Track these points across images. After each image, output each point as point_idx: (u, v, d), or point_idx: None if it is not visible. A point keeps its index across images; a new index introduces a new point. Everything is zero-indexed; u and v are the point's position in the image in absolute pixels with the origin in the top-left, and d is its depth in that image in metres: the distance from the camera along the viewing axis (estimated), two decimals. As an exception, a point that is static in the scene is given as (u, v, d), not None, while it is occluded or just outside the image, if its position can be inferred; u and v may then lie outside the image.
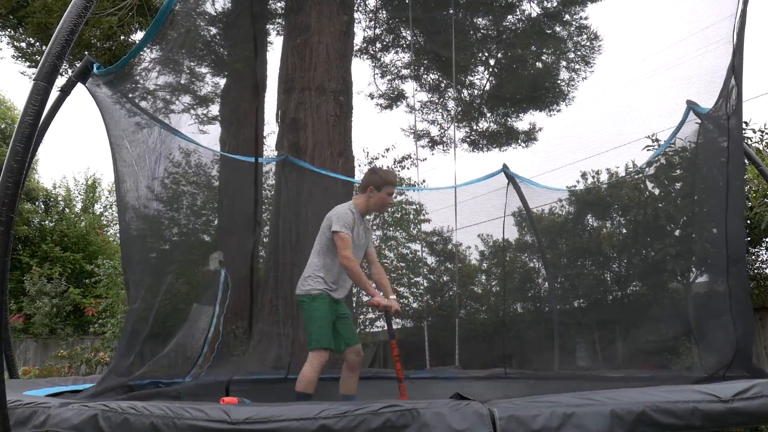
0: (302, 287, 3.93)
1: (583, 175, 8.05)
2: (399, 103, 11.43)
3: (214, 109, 6.36)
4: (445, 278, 9.88)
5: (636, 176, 7.09)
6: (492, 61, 10.59)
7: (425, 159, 10.76)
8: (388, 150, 11.65)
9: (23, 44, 9.66)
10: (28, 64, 9.70)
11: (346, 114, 7.66)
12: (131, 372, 3.84)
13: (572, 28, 9.99)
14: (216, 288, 4.81)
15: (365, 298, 10.10)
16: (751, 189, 6.58)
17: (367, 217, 4.38)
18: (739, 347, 3.36)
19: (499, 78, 10.53)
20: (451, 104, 11.31)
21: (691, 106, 5.15)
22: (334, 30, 7.73)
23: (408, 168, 11.27)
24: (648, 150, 6.75)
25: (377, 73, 11.19)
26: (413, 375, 6.57)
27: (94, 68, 3.77)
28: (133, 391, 3.52)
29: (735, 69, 3.69)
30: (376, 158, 11.36)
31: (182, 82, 5.16)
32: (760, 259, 7.48)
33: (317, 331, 3.78)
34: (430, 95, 11.32)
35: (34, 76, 2.16)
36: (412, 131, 11.30)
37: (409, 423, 1.95)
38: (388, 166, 11.25)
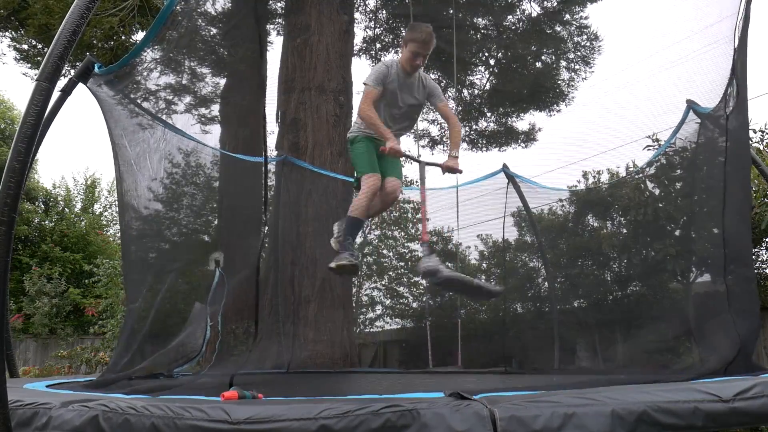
0: (351, 129, 4.17)
1: (584, 175, 8.06)
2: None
3: (215, 109, 6.37)
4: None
5: (636, 176, 7.09)
6: (492, 61, 10.60)
7: (419, 156, 10.70)
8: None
9: (25, 46, 9.66)
10: (30, 65, 9.70)
11: (346, 114, 7.67)
12: (130, 368, 3.84)
13: (572, 28, 10.00)
14: (210, 287, 4.83)
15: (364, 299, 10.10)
16: (752, 189, 6.58)
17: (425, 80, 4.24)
18: (742, 346, 3.36)
19: (499, 78, 10.53)
20: (451, 104, 11.31)
21: (692, 106, 5.15)
22: (334, 30, 7.73)
23: (403, 166, 11.25)
24: (648, 150, 6.75)
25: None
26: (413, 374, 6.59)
27: (95, 68, 3.77)
28: (133, 383, 3.51)
29: (737, 68, 3.68)
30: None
31: (183, 82, 5.16)
32: (760, 259, 7.48)
33: (359, 162, 4.01)
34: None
35: (36, 77, 2.16)
36: (413, 131, 11.29)
37: (409, 423, 1.95)
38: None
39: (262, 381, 4.44)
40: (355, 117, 4.17)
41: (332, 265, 3.97)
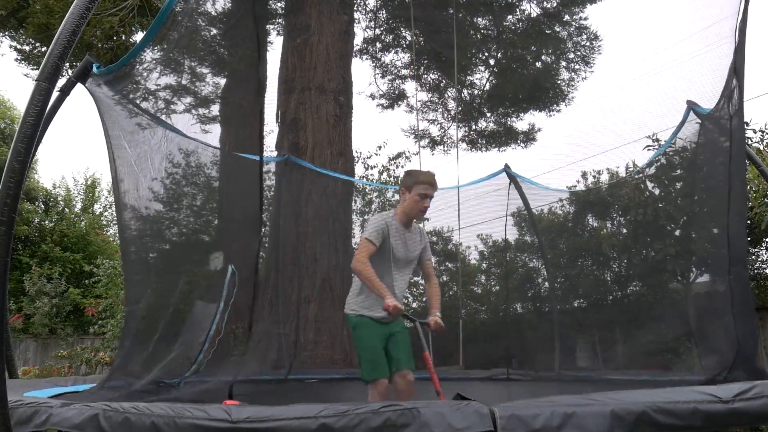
0: (346, 308, 3.74)
1: (584, 175, 8.07)
2: (399, 103, 11.44)
3: (214, 110, 6.36)
4: (445, 278, 9.88)
5: (636, 176, 7.10)
6: (492, 61, 10.60)
7: (417, 153, 10.74)
8: (380, 147, 11.61)
9: (26, 47, 9.67)
10: (32, 66, 9.70)
11: (346, 114, 7.67)
12: (135, 372, 3.84)
13: (572, 29, 10.00)
14: (221, 285, 4.81)
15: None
16: (751, 189, 6.58)
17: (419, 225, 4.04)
18: (741, 347, 3.36)
19: (499, 78, 10.54)
20: (451, 104, 11.33)
21: (692, 107, 5.15)
22: (334, 30, 7.73)
23: (402, 166, 11.26)
24: (648, 150, 6.75)
25: (377, 73, 11.21)
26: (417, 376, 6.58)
27: (94, 68, 3.77)
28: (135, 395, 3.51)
29: (737, 69, 3.69)
30: (369, 157, 11.34)
31: (183, 82, 5.16)
32: (760, 259, 7.49)
33: (369, 359, 3.57)
34: (430, 95, 11.35)
35: (36, 77, 2.16)
36: (413, 131, 11.31)
37: (409, 422, 1.95)
38: (382, 165, 11.25)
39: (263, 390, 4.44)
40: (354, 288, 3.73)
41: None
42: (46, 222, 16.47)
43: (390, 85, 11.37)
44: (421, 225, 4.03)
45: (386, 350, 3.65)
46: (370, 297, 3.61)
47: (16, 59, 9.75)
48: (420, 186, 3.67)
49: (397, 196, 10.32)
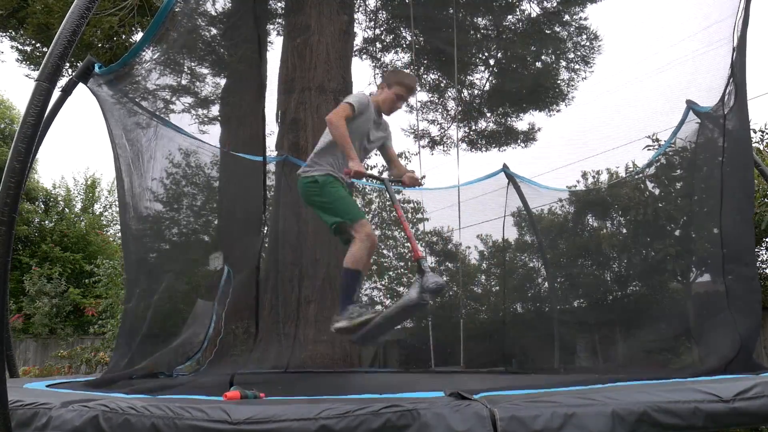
0: (309, 170, 3.75)
1: (584, 175, 8.06)
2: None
3: (214, 110, 6.37)
4: (444, 278, 9.88)
5: (636, 176, 7.10)
6: (492, 61, 10.60)
7: (417, 153, 10.74)
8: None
9: (27, 48, 9.67)
10: (32, 67, 9.70)
11: (346, 114, 7.66)
12: (131, 368, 3.84)
13: (572, 29, 10.00)
14: (216, 286, 4.82)
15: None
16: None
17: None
18: (743, 345, 3.36)
19: (499, 78, 10.54)
20: (451, 104, 11.33)
21: (691, 106, 5.16)
22: (334, 30, 7.73)
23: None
24: (648, 150, 6.75)
25: (377, 73, 11.20)
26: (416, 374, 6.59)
27: (96, 68, 3.77)
28: (133, 383, 3.51)
29: (736, 68, 3.68)
30: (369, 157, 11.34)
31: (183, 82, 5.16)
32: (760, 259, 7.49)
33: (346, 208, 3.64)
34: (430, 95, 11.34)
35: (36, 77, 2.16)
36: (413, 131, 11.31)
37: (409, 423, 1.95)
38: (382, 165, 11.24)
39: (263, 380, 4.45)
40: (317, 151, 3.77)
41: (339, 325, 3.55)
42: (46, 222, 16.48)
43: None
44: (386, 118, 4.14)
45: None
46: (336, 157, 3.70)
47: (17, 60, 9.76)
48: (400, 87, 3.82)
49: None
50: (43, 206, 16.99)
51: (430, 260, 9.92)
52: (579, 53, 10.08)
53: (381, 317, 3.52)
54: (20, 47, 9.69)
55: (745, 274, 3.86)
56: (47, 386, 3.40)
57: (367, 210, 10.15)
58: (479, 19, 10.05)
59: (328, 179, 3.67)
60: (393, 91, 3.82)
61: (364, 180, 8.97)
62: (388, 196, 3.77)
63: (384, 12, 10.50)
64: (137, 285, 4.52)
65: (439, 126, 11.51)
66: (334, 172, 3.72)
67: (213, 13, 5.58)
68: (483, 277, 9.60)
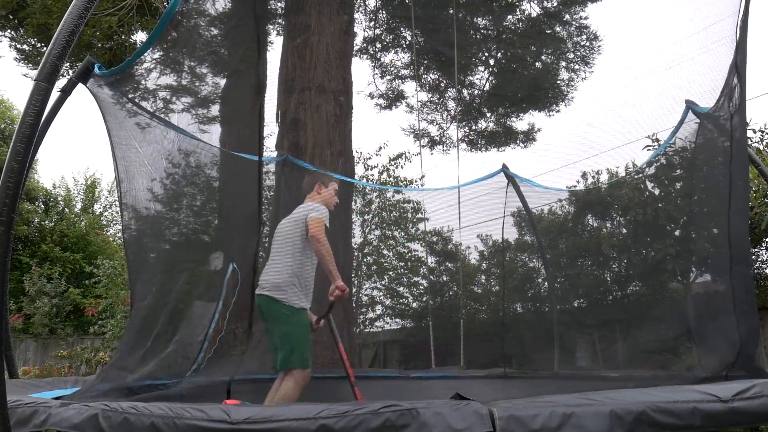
0: (279, 294, 3.76)
1: (583, 175, 8.07)
2: (399, 103, 11.44)
3: (214, 110, 6.37)
4: (444, 278, 9.89)
5: (636, 176, 7.10)
6: (492, 61, 10.60)
7: (418, 153, 10.73)
8: (381, 148, 11.61)
9: (26, 47, 9.67)
10: (31, 66, 9.70)
11: (346, 114, 7.66)
12: (131, 368, 3.84)
13: (572, 28, 10.00)
14: (221, 285, 4.82)
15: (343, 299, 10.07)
16: (751, 189, 6.58)
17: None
18: (743, 347, 3.36)
19: (499, 78, 10.54)
20: (451, 104, 11.33)
21: (691, 106, 5.15)
22: (334, 30, 7.73)
23: (402, 167, 11.25)
24: (648, 150, 6.75)
25: (377, 73, 11.21)
26: (416, 374, 6.59)
27: (96, 69, 3.77)
28: (134, 392, 3.52)
29: (737, 67, 3.68)
30: (369, 158, 11.35)
31: (183, 82, 5.16)
32: (760, 259, 7.49)
33: (301, 349, 3.69)
34: (430, 95, 11.34)
35: (34, 77, 2.16)
36: (413, 131, 11.31)
37: (408, 423, 1.95)
38: (383, 165, 11.25)
39: (263, 388, 4.44)
40: (288, 271, 3.78)
41: None
42: (46, 222, 16.47)
43: (390, 85, 11.38)
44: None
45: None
46: (305, 288, 3.84)
47: (15, 59, 9.76)
48: (334, 183, 4.17)
49: (397, 196, 10.33)
50: (43, 206, 16.98)
51: (431, 260, 9.93)
52: (579, 53, 10.08)
53: None
54: (18, 46, 9.69)
55: (745, 274, 3.87)
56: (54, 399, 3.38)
57: (367, 210, 10.15)
58: (479, 19, 10.05)
59: (301, 312, 3.77)
60: (332, 188, 4.14)
61: (357, 179, 8.97)
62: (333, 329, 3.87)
63: (384, 12, 10.50)
64: (135, 285, 4.52)
65: (438, 126, 11.52)
66: (305, 303, 3.82)
67: (213, 13, 5.58)
68: (483, 277, 9.61)
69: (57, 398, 3.42)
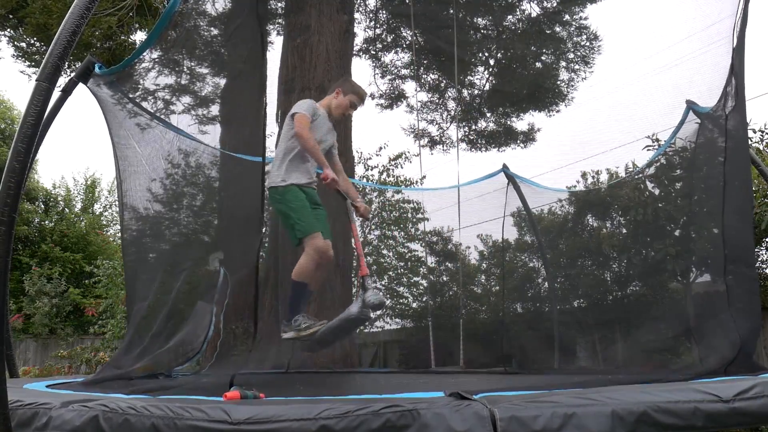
0: (268, 182, 3.89)
1: (583, 175, 8.06)
2: (399, 103, 11.44)
3: (214, 110, 6.37)
4: (444, 278, 9.89)
5: (636, 176, 7.10)
6: (492, 61, 10.60)
7: (418, 154, 10.73)
8: (381, 148, 11.61)
9: (23, 44, 9.67)
10: (28, 63, 9.70)
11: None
12: (129, 363, 3.85)
13: (572, 29, 10.00)
14: (215, 287, 4.82)
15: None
16: (752, 189, 6.58)
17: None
18: (743, 346, 3.36)
19: (499, 78, 10.54)
20: (451, 104, 11.33)
21: (691, 106, 5.16)
22: (334, 30, 7.72)
23: (403, 167, 11.26)
24: (648, 150, 6.75)
25: (377, 73, 11.20)
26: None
27: (96, 68, 3.78)
28: (133, 383, 3.51)
29: (736, 68, 3.69)
30: (369, 158, 11.34)
31: (183, 82, 5.16)
32: (760, 259, 7.49)
33: (302, 219, 3.78)
34: (430, 95, 11.34)
35: (36, 77, 2.16)
36: (413, 131, 11.30)
37: (409, 423, 1.95)
38: (383, 165, 11.25)
39: (263, 381, 4.45)
40: (277, 161, 3.95)
41: (287, 335, 3.83)
42: (46, 222, 16.47)
43: (390, 85, 11.38)
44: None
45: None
46: (294, 164, 3.87)
47: (13, 55, 9.76)
48: (355, 96, 4.13)
49: (396, 196, 10.33)
50: (43, 206, 16.98)
51: (430, 260, 9.94)
52: (579, 53, 10.08)
53: (325, 329, 3.75)
54: (17, 44, 9.69)
55: (746, 274, 3.86)
56: (47, 386, 3.40)
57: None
58: (479, 19, 10.05)
59: (289, 188, 3.82)
60: (348, 98, 4.10)
61: (357, 179, 8.93)
62: (347, 203, 3.92)
63: (384, 12, 10.50)
64: (135, 285, 4.52)
65: (438, 126, 11.51)
66: (298, 180, 3.87)
67: (213, 13, 5.58)
68: (483, 277, 9.61)
69: (50, 386, 3.45)
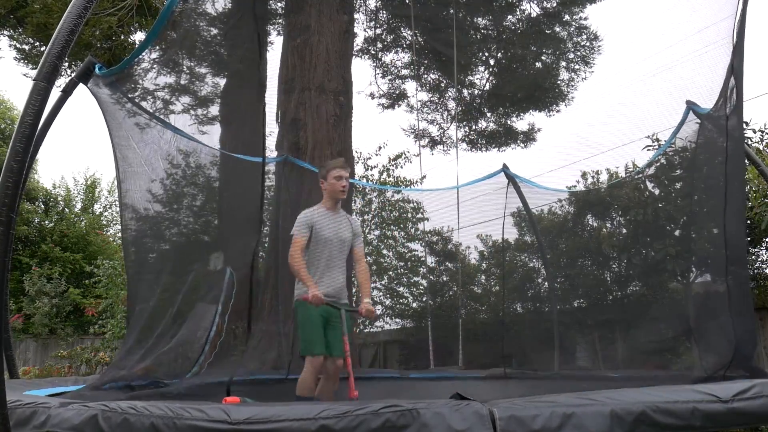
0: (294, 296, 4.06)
1: (583, 175, 8.06)
2: (400, 103, 11.44)
3: (214, 110, 6.37)
4: (444, 278, 9.88)
5: (636, 176, 7.10)
6: (492, 61, 10.60)
7: (418, 154, 10.73)
8: (380, 148, 11.61)
9: (25, 46, 9.66)
10: (31, 66, 9.70)
11: (346, 114, 7.66)
12: (130, 366, 3.84)
13: (572, 29, 10.00)
14: (220, 287, 4.82)
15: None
16: (751, 189, 6.58)
17: (362, 217, 4.48)
18: (739, 347, 3.36)
19: (499, 78, 10.53)
20: (451, 104, 11.32)
21: (691, 106, 5.15)
22: (334, 30, 7.72)
23: (402, 167, 11.25)
24: (648, 150, 6.75)
25: (378, 73, 11.20)
26: (415, 375, 6.59)
27: (96, 69, 3.77)
28: (134, 390, 3.52)
29: (735, 69, 3.69)
30: (369, 158, 11.34)
31: (182, 82, 5.16)
32: (760, 259, 7.49)
33: (305, 337, 3.90)
34: (430, 95, 11.34)
35: (33, 77, 2.16)
36: (413, 131, 11.30)
37: (409, 423, 1.95)
38: (383, 165, 11.24)
39: (261, 391, 4.45)
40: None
41: None
42: (46, 222, 16.47)
43: (390, 85, 11.38)
44: (350, 216, 4.47)
45: (325, 332, 3.95)
46: (315, 276, 4.01)
47: (15, 58, 9.76)
48: (333, 171, 4.15)
49: (396, 196, 10.33)
50: (43, 206, 16.98)
51: (430, 260, 9.93)
52: (579, 53, 10.08)
53: None
54: (18, 46, 9.69)
55: (741, 275, 3.87)
56: (48, 396, 3.38)
57: (367, 209, 10.15)
58: (479, 19, 10.05)
59: (301, 303, 3.93)
60: (332, 176, 4.14)
61: (357, 179, 8.92)
62: (340, 313, 3.91)
63: (384, 12, 10.50)
64: (136, 285, 4.51)
65: (438, 126, 11.51)
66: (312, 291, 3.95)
67: (213, 13, 5.58)
68: (483, 277, 9.60)
69: (52, 395, 3.44)
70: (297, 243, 3.98)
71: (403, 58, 11.03)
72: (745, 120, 6.66)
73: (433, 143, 11.52)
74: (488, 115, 11.16)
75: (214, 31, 5.69)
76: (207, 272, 5.27)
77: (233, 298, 4.88)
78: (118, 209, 14.66)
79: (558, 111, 10.60)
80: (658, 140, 6.65)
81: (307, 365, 3.81)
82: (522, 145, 11.01)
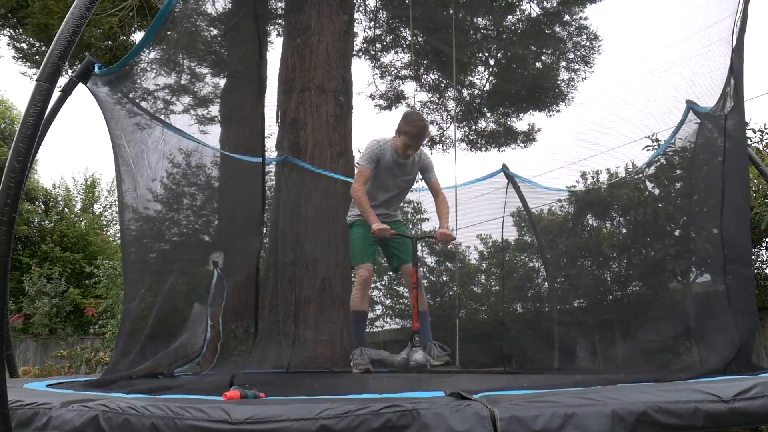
0: (348, 216, 4.60)
1: (583, 175, 8.07)
2: (399, 103, 11.44)
3: (214, 110, 6.37)
4: (444, 278, 9.89)
5: (636, 176, 7.10)
6: (492, 61, 10.60)
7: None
8: None
9: (24, 45, 9.67)
10: (29, 64, 9.70)
11: (346, 114, 7.66)
12: (131, 369, 3.84)
13: (572, 29, 10.01)
14: (209, 288, 4.83)
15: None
16: (751, 189, 6.58)
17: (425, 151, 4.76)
18: (742, 346, 3.36)
19: (499, 78, 10.54)
20: (451, 104, 11.33)
21: (691, 106, 5.15)
22: (334, 30, 7.73)
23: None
24: (648, 150, 6.75)
25: (377, 74, 11.21)
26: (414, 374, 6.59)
27: (96, 68, 3.77)
28: (133, 382, 3.51)
29: (735, 68, 3.69)
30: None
31: (182, 82, 5.16)
32: (760, 259, 7.49)
33: (353, 250, 4.44)
34: (430, 95, 11.35)
35: (36, 77, 2.16)
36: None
37: (409, 423, 1.95)
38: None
39: (263, 381, 4.45)
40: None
41: (356, 369, 4.35)
42: (46, 222, 16.48)
43: (390, 85, 11.39)
44: (421, 149, 4.66)
45: (389, 250, 4.43)
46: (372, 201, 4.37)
47: (14, 56, 9.76)
48: (405, 137, 4.25)
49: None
50: (43, 206, 16.98)
51: (430, 260, 9.93)
52: (579, 53, 10.09)
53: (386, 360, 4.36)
54: (17, 45, 9.70)
55: (745, 274, 3.86)
56: (47, 386, 3.40)
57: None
58: (479, 19, 10.06)
59: (356, 220, 4.43)
60: (401, 140, 4.25)
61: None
62: (412, 243, 4.21)
63: (384, 12, 10.50)
64: (136, 285, 4.51)
65: (438, 126, 11.52)
66: (361, 216, 4.43)
67: (213, 13, 5.58)
68: (482, 277, 9.61)
69: (50, 385, 3.45)
70: (363, 175, 4.23)
71: (403, 58, 11.06)
72: (745, 120, 6.65)
73: (433, 143, 11.54)
74: (488, 115, 11.17)
75: (215, 32, 5.69)
76: (207, 272, 5.26)
77: (225, 299, 4.88)
78: (117, 209, 14.67)
79: (558, 111, 10.62)
80: (657, 140, 6.65)
81: (357, 276, 4.29)
82: (522, 145, 11.03)
